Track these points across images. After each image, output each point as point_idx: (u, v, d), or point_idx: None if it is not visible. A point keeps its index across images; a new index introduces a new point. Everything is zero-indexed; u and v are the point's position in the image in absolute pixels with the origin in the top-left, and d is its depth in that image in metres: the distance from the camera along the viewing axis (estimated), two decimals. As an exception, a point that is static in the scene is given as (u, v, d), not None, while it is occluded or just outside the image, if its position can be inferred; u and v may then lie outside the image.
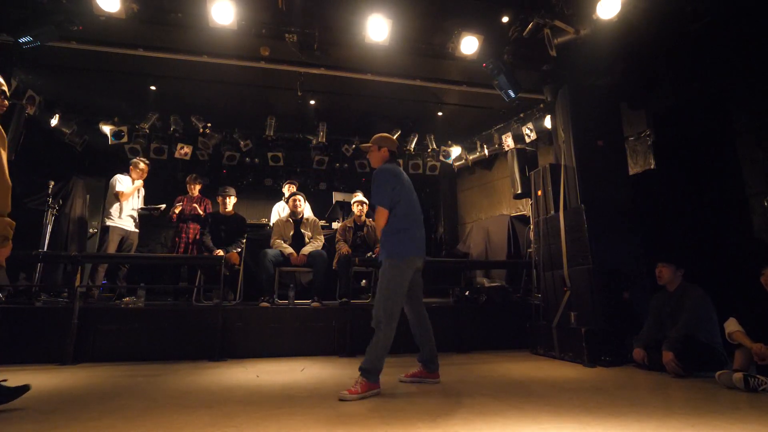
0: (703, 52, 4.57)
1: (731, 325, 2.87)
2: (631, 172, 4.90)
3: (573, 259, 4.03)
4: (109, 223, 4.93)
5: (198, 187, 5.52)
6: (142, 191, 5.31)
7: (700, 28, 4.41)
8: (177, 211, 5.23)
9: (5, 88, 2.36)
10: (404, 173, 2.97)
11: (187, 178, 5.55)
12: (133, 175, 5.18)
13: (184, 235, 5.26)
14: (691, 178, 4.61)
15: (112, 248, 4.86)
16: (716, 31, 4.38)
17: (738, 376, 2.65)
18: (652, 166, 4.99)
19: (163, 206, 5.25)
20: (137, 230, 5.16)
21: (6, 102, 2.39)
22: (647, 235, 4.18)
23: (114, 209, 4.96)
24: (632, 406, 2.33)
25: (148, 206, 5.21)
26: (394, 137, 7.69)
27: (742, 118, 4.25)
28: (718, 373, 2.78)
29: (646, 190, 4.69)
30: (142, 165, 5.24)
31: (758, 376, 2.61)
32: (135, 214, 5.12)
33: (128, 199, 5.01)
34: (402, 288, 2.75)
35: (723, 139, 4.37)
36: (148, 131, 6.75)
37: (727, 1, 4.19)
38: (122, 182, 5.05)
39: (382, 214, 2.79)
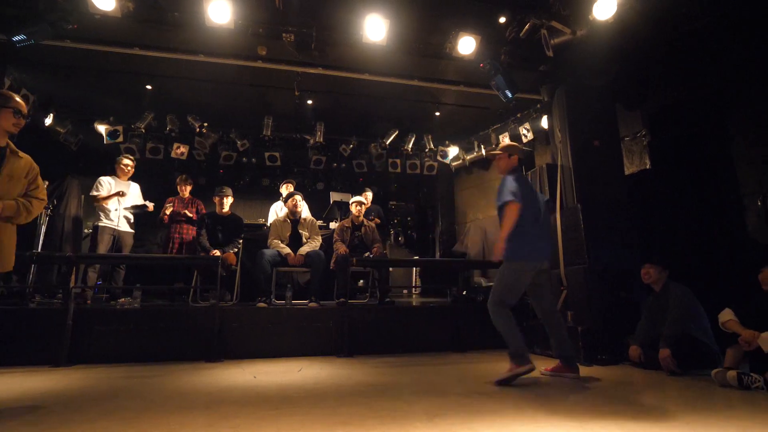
0: (698, 53, 4.60)
1: (726, 315, 2.93)
2: (627, 172, 4.93)
3: (570, 258, 4.05)
4: (98, 222, 4.79)
5: (188, 188, 5.42)
6: (135, 188, 5.14)
7: (695, 30, 4.43)
8: (168, 212, 5.14)
9: (22, 106, 2.41)
10: (529, 183, 3.21)
11: (177, 179, 5.44)
12: (119, 174, 5.02)
13: (177, 234, 5.18)
14: (686, 178, 4.64)
15: (102, 249, 4.73)
16: (710, 33, 4.41)
17: (732, 374, 2.69)
18: (648, 166, 5.01)
19: (152, 204, 5.06)
20: (132, 230, 5.02)
21: (22, 121, 2.48)
22: (643, 235, 4.20)
23: (104, 209, 4.81)
24: (629, 404, 2.34)
25: (136, 205, 5.01)
26: (392, 136, 7.71)
27: (736, 120, 4.29)
28: (714, 371, 2.82)
29: (642, 189, 4.71)
30: (125, 161, 5.03)
31: (752, 374, 2.65)
32: (129, 214, 4.98)
33: (107, 202, 4.79)
34: (513, 287, 2.98)
35: (717, 140, 4.40)
36: (144, 131, 6.70)
37: (721, 3, 4.21)
38: (100, 186, 4.86)
39: (514, 207, 2.91)
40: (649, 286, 3.58)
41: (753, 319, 2.81)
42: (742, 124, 4.23)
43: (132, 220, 5.04)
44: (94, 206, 4.91)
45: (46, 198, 2.56)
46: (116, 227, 4.85)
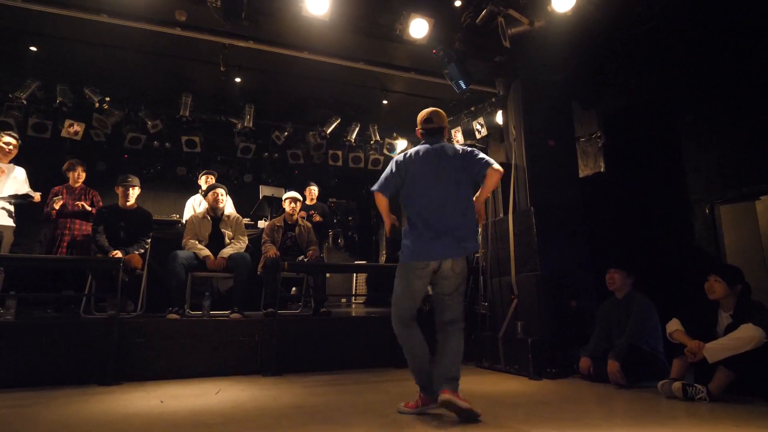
0: (652, 54, 5.05)
1: (673, 325, 3.22)
2: (582, 174, 5.28)
3: (521, 264, 4.26)
4: None
5: (82, 176, 5.05)
6: (20, 173, 4.64)
7: (650, 30, 4.86)
8: (57, 206, 4.74)
9: None
10: (425, 154, 2.78)
11: (66, 164, 5.03)
12: None
13: (67, 231, 4.80)
14: (639, 182, 5.07)
15: None
16: (664, 34, 4.86)
17: (677, 385, 2.98)
18: (602, 169, 5.41)
19: (38, 194, 4.65)
20: (12, 224, 4.56)
21: None
22: (596, 241, 4.53)
23: None
24: (576, 420, 2.51)
25: (16, 194, 4.53)
26: (333, 125, 7.64)
27: (686, 125, 4.75)
28: (660, 383, 3.10)
29: (596, 193, 5.07)
30: (6, 139, 4.55)
31: (696, 385, 2.95)
32: (6, 204, 4.51)
33: None
34: (403, 294, 2.95)
35: (670, 144, 4.86)
36: (25, 102, 6.16)
37: (674, 5, 4.66)
38: None
39: (377, 198, 2.86)
40: (606, 294, 3.85)
41: (698, 329, 3.13)
42: (691, 130, 4.70)
43: (13, 212, 4.57)
44: None
45: None
46: None
